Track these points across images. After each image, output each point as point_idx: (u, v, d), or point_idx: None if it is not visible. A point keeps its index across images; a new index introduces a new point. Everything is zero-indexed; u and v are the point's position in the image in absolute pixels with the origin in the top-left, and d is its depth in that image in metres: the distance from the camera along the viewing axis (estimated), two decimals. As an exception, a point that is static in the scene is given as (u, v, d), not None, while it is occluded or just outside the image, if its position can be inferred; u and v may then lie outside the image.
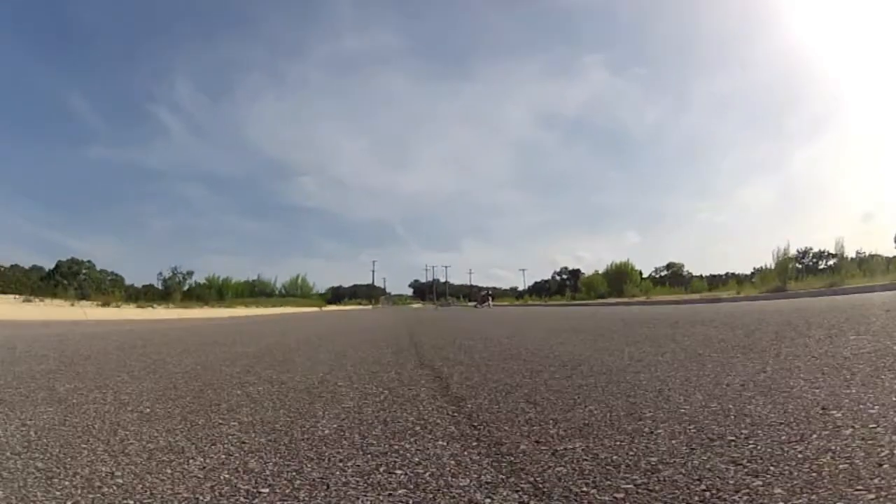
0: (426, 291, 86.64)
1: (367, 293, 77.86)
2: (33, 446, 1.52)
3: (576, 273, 61.57)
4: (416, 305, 64.01)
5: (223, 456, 1.40)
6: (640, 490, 1.06)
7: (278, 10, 77.84)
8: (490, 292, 34.60)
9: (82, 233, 74.27)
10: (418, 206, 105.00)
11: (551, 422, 1.65)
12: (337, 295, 71.30)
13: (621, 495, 1.04)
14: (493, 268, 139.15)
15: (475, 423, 1.67)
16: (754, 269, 25.33)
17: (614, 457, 1.27)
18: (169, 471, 1.28)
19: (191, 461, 1.36)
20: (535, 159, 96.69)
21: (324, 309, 39.76)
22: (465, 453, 1.36)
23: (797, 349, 2.88)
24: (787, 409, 1.62)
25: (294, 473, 1.24)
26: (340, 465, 1.30)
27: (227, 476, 1.24)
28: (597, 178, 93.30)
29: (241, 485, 1.18)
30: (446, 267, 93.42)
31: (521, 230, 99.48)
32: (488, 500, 1.05)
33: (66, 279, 37.82)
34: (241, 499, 1.10)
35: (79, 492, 1.16)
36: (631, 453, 1.29)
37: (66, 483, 1.21)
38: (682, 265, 57.43)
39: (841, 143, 65.79)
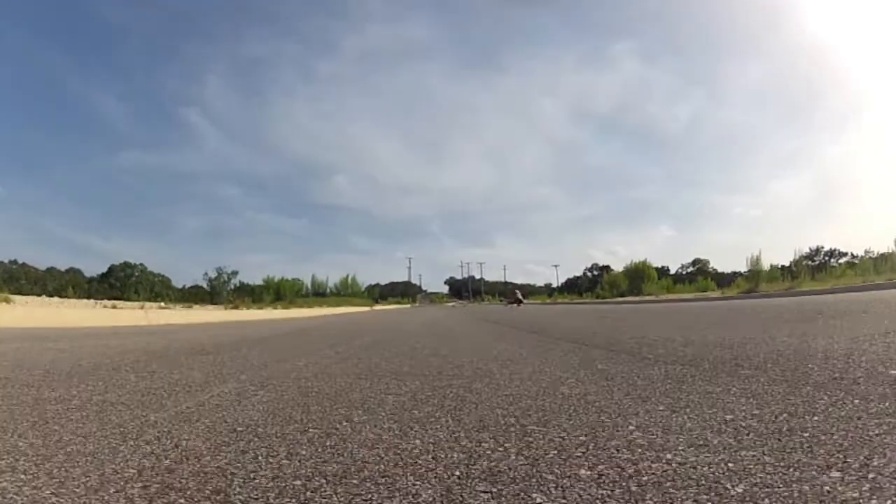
0: (462, 289, 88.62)
1: (404, 291, 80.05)
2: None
3: (605, 269, 64.95)
4: (451, 304, 65.08)
5: (497, 334, 7.67)
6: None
7: (308, 5, 79.36)
8: (522, 295, 39.09)
9: (113, 235, 78.08)
10: (453, 202, 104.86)
11: (526, 328, 7.79)
12: (379, 293, 74.98)
13: (521, 323, 7.18)
14: (527, 263, 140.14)
15: (501, 325, 7.86)
16: (770, 265, 26.62)
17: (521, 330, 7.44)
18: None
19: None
20: (570, 154, 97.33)
21: (374, 308, 42.86)
22: (500, 328, 7.55)
23: (606, 328, 8.91)
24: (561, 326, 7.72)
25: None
26: (487, 329, 7.53)
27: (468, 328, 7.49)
28: (631, 172, 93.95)
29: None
30: (481, 264, 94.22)
31: (556, 225, 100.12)
32: (489, 325, 7.27)
33: (120, 282, 42.05)
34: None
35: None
36: (533, 325, 7.43)
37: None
38: (708, 261, 60.96)
39: (875, 136, 65.67)
